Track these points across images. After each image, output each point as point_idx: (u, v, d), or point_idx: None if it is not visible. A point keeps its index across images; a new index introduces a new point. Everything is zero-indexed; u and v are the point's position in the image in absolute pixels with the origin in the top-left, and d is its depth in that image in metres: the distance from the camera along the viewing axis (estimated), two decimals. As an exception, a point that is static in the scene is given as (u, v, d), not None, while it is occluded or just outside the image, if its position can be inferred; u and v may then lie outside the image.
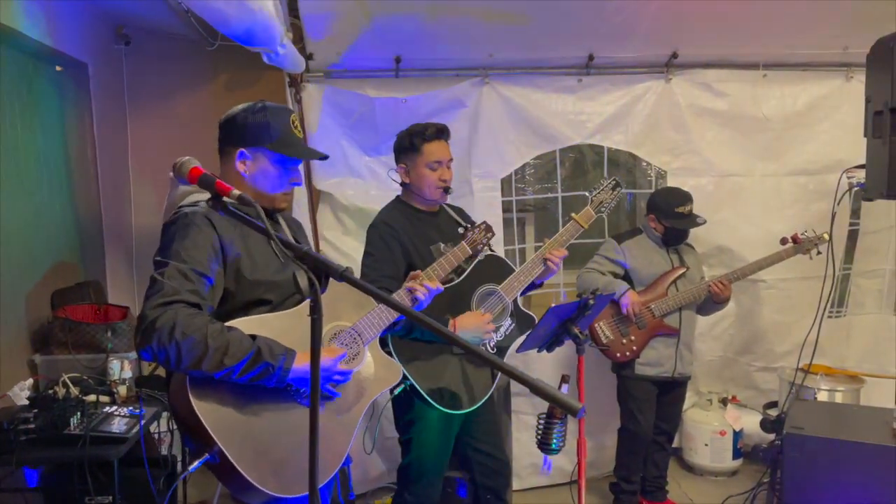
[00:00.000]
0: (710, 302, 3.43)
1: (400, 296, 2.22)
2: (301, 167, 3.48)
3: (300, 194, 3.57)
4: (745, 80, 3.77)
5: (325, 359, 1.79)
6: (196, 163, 1.49)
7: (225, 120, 1.90)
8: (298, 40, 3.36)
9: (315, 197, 3.72)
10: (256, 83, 4.28)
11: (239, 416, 1.67)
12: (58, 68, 3.74)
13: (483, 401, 2.64)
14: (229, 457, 1.62)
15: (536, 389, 1.14)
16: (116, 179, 4.23)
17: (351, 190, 3.66)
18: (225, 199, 1.43)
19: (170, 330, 1.57)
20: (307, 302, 1.77)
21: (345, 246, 3.64)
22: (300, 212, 3.60)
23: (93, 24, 3.86)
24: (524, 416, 3.94)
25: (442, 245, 2.67)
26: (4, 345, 3.02)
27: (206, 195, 1.57)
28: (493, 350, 2.67)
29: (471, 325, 2.51)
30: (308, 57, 3.40)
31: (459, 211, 2.90)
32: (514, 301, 2.70)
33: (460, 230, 2.58)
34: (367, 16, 3.14)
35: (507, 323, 2.68)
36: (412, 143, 2.66)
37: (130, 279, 4.29)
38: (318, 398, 1.34)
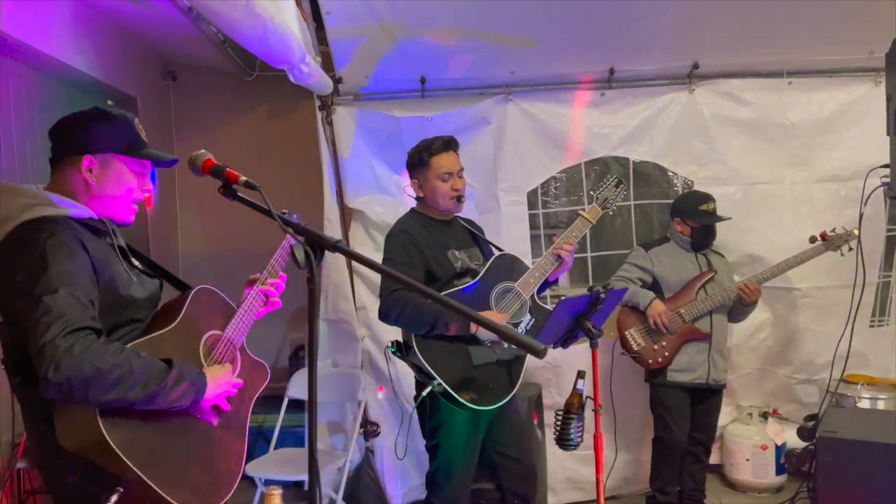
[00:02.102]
0: (740, 306, 3.40)
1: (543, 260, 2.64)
2: (328, 185, 3.69)
3: (332, 212, 3.72)
4: (769, 88, 3.78)
5: (221, 376, 1.77)
6: (209, 155, 1.61)
7: (60, 127, 1.71)
8: (329, 68, 3.54)
9: (347, 215, 3.86)
10: (293, 111, 4.50)
11: (149, 441, 1.58)
12: (109, 102, 4.01)
13: (507, 399, 2.67)
14: (152, 484, 1.53)
15: (503, 335, 1.19)
16: (164, 207, 4.47)
17: (380, 207, 3.79)
18: (234, 186, 1.54)
19: (91, 359, 1.44)
20: (180, 318, 1.73)
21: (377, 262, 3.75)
22: (332, 229, 3.74)
23: (142, 60, 4.14)
24: (558, 430, 3.93)
25: (457, 252, 2.76)
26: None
27: (57, 209, 1.59)
28: (513, 347, 2.71)
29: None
30: (337, 81, 3.57)
31: (469, 221, 3.01)
32: (532, 297, 2.75)
33: (591, 192, 2.83)
34: (392, 39, 3.30)
35: (527, 319, 2.73)
36: (420, 158, 2.78)
37: (177, 302, 4.47)
38: (315, 379, 1.41)
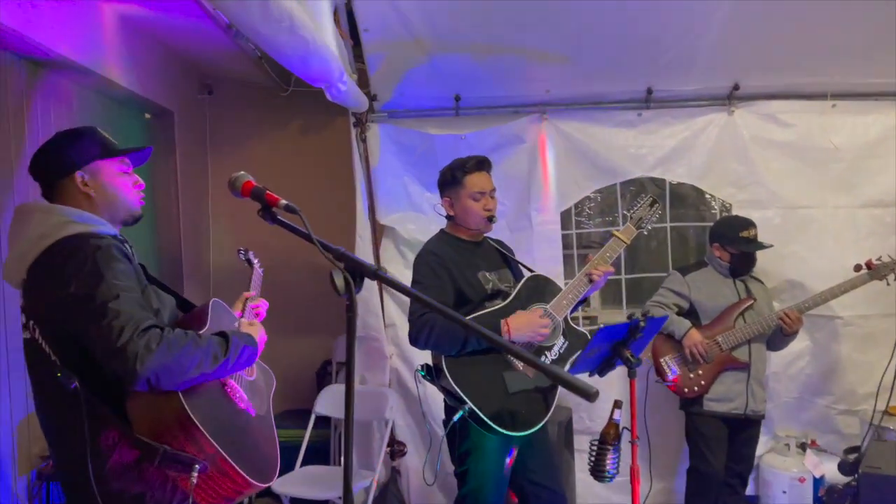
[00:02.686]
0: (780, 335, 3.30)
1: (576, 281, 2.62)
2: (361, 201, 3.67)
3: (364, 229, 3.70)
4: (812, 110, 3.69)
5: (258, 334, 1.93)
6: (249, 177, 1.60)
7: (39, 161, 1.81)
8: (364, 84, 3.54)
9: (378, 231, 3.84)
10: (327, 127, 4.50)
11: (219, 422, 1.71)
12: (147, 116, 4.06)
13: (540, 426, 2.62)
14: (229, 459, 1.65)
15: (554, 376, 1.14)
16: (197, 220, 4.49)
17: (412, 224, 3.77)
18: (274, 209, 1.52)
19: (169, 348, 1.57)
20: (208, 324, 1.82)
21: (406, 280, 3.69)
22: (363, 246, 3.72)
23: (179, 74, 4.17)
24: (587, 455, 3.85)
25: (487, 273, 2.71)
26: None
27: (92, 226, 1.69)
28: (556, 357, 2.66)
29: (524, 325, 2.52)
30: (372, 98, 3.57)
31: (499, 242, 2.96)
32: (566, 319, 2.70)
33: (626, 212, 2.81)
34: (427, 56, 3.29)
35: (560, 342, 2.67)
36: (454, 176, 2.75)
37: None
38: (353, 388, 1.38)
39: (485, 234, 2.85)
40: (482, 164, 2.80)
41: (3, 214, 2.74)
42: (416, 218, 3.78)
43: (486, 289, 2.70)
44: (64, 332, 1.64)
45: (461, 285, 2.64)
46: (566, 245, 3.90)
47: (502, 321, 2.52)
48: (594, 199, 4.15)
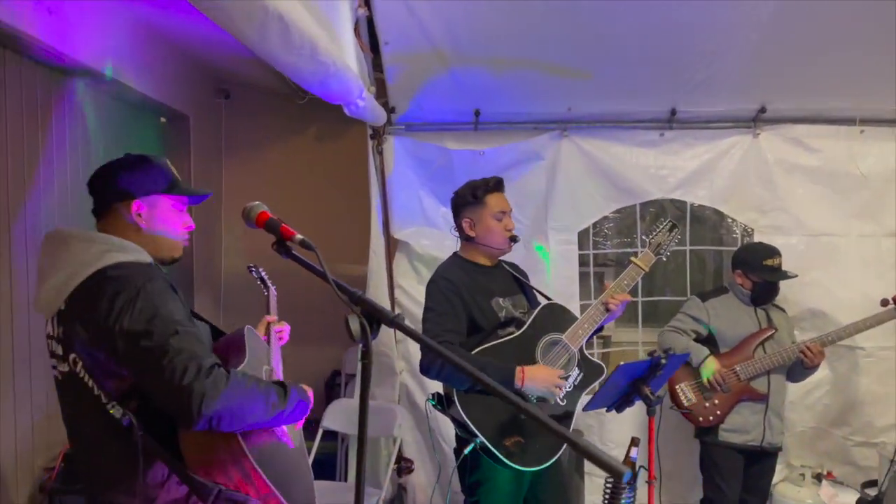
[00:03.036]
0: (800, 367, 3.22)
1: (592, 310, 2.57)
2: (375, 215, 3.62)
3: (378, 245, 3.65)
4: (839, 135, 3.60)
5: (308, 392, 1.84)
6: (264, 207, 1.55)
7: (101, 177, 1.76)
8: (382, 94, 3.48)
9: (392, 246, 3.78)
10: (343, 136, 4.46)
11: (272, 462, 1.70)
12: (162, 120, 4.02)
13: (553, 460, 2.55)
14: (281, 499, 1.67)
15: (582, 451, 1.08)
16: (209, 225, 4.46)
17: (427, 240, 3.71)
18: (288, 243, 1.47)
19: (233, 391, 1.53)
20: (248, 355, 1.80)
21: (419, 295, 3.65)
22: (377, 261, 3.67)
23: (197, 79, 4.14)
24: (598, 479, 3.78)
25: (501, 300, 2.65)
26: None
27: (133, 255, 1.63)
28: (561, 402, 2.59)
29: (540, 378, 2.45)
30: (390, 110, 3.51)
31: (514, 266, 2.88)
32: (581, 350, 2.63)
33: (644, 237, 2.78)
34: (448, 70, 3.22)
35: (575, 373, 2.60)
36: (475, 195, 2.69)
37: (217, 321, 4.45)
38: (366, 436, 1.33)
39: (500, 257, 2.78)
40: (501, 184, 2.75)
41: (22, 215, 2.70)
42: (431, 233, 3.73)
43: (500, 316, 2.63)
44: (110, 366, 1.58)
45: (474, 313, 2.58)
46: (582, 263, 3.82)
47: (517, 369, 2.45)
48: (613, 219, 4.08)
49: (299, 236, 1.45)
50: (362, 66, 2.93)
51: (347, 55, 2.21)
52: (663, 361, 2.17)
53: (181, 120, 4.09)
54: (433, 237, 3.71)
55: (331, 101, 2.36)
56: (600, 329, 2.78)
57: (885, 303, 3.21)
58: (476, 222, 2.69)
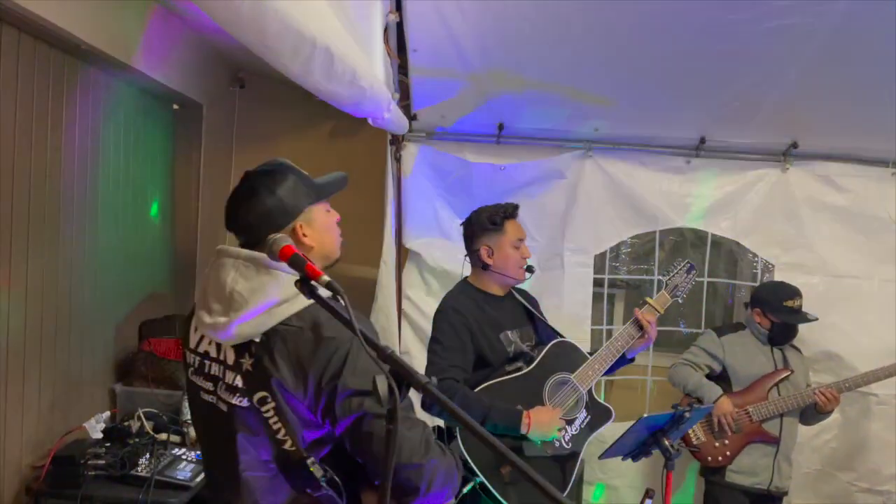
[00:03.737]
0: (813, 411, 3.14)
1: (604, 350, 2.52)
2: (389, 224, 3.52)
3: (389, 255, 3.55)
4: (870, 176, 3.51)
5: None
6: (289, 241, 1.42)
7: (251, 207, 1.57)
8: (404, 98, 3.37)
9: (403, 255, 3.68)
10: (358, 135, 4.33)
11: None
12: (175, 107, 3.90)
13: (569, 486, 2.49)
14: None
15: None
16: (215, 217, 4.34)
17: (439, 252, 3.61)
18: (313, 282, 1.35)
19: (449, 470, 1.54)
20: None
21: (427, 307, 3.56)
22: (387, 272, 3.57)
23: (212, 67, 4.01)
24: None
25: (510, 332, 2.54)
26: (90, 372, 3.09)
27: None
28: (567, 445, 2.50)
29: (545, 423, 2.37)
30: (412, 117, 3.40)
31: (524, 293, 2.78)
32: (590, 391, 2.54)
33: (661, 278, 2.71)
34: (475, 82, 3.11)
35: (582, 416, 2.51)
36: (493, 221, 2.57)
37: (216, 314, 4.35)
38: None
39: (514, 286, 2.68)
40: (517, 210, 2.63)
41: (27, 201, 2.59)
42: (444, 245, 3.62)
43: (508, 351, 2.53)
44: (307, 415, 1.48)
45: (483, 348, 2.47)
46: (596, 285, 3.72)
47: (524, 414, 2.35)
48: (631, 244, 3.98)
49: (326, 278, 1.33)
50: (388, 72, 2.82)
51: (377, 68, 2.10)
52: (687, 415, 2.08)
53: (194, 108, 3.96)
54: (446, 249, 3.61)
55: (358, 115, 2.25)
56: (631, 360, 2.69)
57: (903, 352, 3.12)
58: (494, 250, 2.58)
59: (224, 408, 1.55)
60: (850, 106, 3.15)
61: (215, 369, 1.56)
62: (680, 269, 2.73)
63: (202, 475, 2.68)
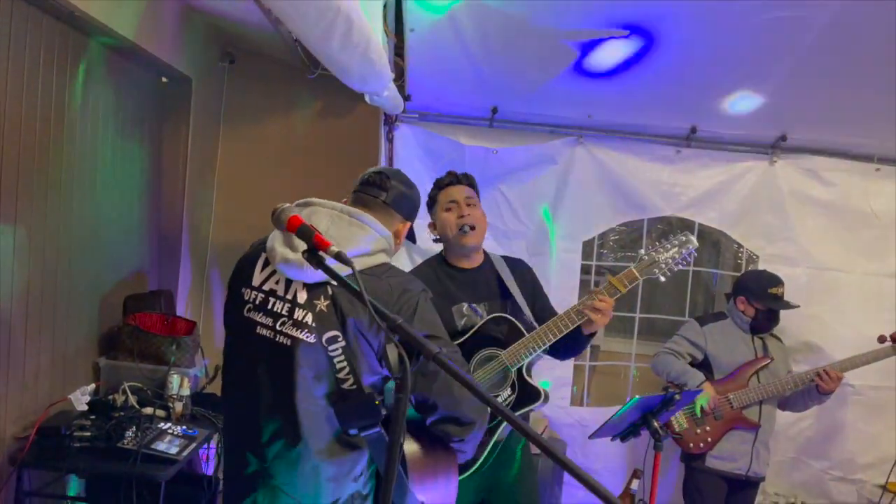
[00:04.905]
0: (809, 395, 3.21)
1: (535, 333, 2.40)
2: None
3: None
4: (856, 171, 3.58)
5: None
6: (295, 211, 1.44)
7: (411, 197, 1.96)
8: (399, 77, 3.35)
9: (392, 236, 3.68)
10: (350, 113, 4.30)
11: None
12: (163, 80, 3.84)
13: (482, 459, 2.38)
14: None
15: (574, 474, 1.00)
16: (202, 193, 4.30)
17: (428, 233, 3.61)
18: (321, 253, 1.36)
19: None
20: None
21: (416, 289, 3.57)
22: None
23: (201, 40, 3.95)
24: (576, 491, 3.76)
25: (465, 306, 2.48)
26: (75, 345, 3.05)
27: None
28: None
29: None
30: (406, 98, 3.39)
31: (518, 269, 2.63)
32: (520, 371, 2.41)
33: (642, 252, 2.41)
34: (471, 64, 3.11)
35: (506, 394, 2.40)
36: (430, 196, 2.61)
37: (200, 292, 4.33)
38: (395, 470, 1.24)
39: (468, 249, 2.52)
40: (456, 178, 2.59)
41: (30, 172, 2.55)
42: (434, 226, 3.62)
43: (458, 324, 2.46)
44: (375, 363, 1.68)
45: None
46: (584, 272, 3.75)
47: None
48: (619, 231, 4.01)
49: (335, 248, 1.35)
50: (387, 49, 2.81)
51: (385, 54, 2.10)
52: (677, 397, 2.12)
53: (183, 82, 3.90)
54: (435, 231, 3.61)
55: (361, 90, 2.24)
56: (590, 336, 2.45)
57: (882, 339, 3.20)
58: (436, 223, 2.58)
59: (286, 342, 1.66)
60: (838, 101, 3.21)
61: (279, 306, 1.68)
62: (674, 247, 2.44)
63: (189, 449, 2.68)
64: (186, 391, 3.06)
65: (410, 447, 1.70)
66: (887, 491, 3.34)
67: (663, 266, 2.39)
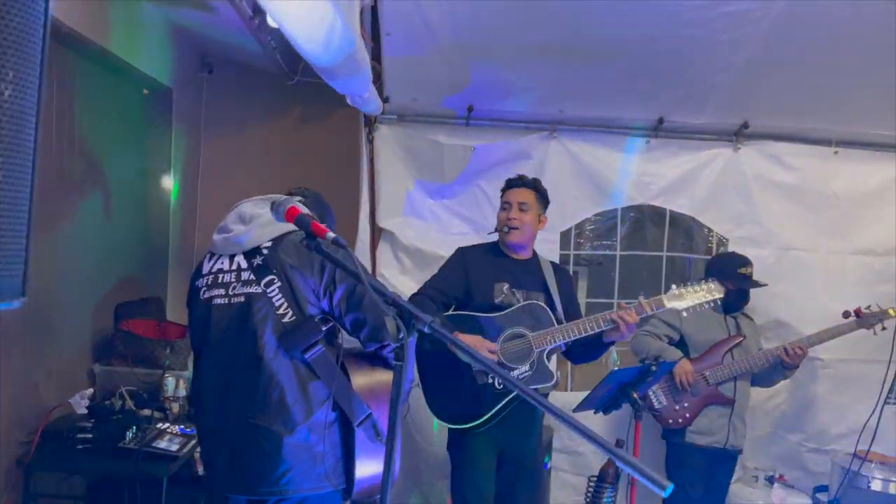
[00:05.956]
0: (775, 371, 3.36)
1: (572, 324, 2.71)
2: (365, 203, 3.60)
3: (364, 232, 3.66)
4: (815, 155, 3.74)
5: None
6: (295, 202, 1.55)
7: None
8: (376, 80, 3.46)
9: (377, 234, 3.79)
10: (329, 118, 4.41)
11: None
12: (145, 91, 3.92)
13: (491, 413, 2.67)
14: None
15: (619, 457, 1.13)
16: (186, 201, 4.37)
17: (412, 231, 3.73)
18: (319, 239, 1.48)
19: None
20: None
21: (402, 285, 3.67)
22: (361, 248, 3.67)
23: (181, 51, 4.03)
24: (563, 475, 3.89)
25: (506, 286, 2.76)
26: (68, 353, 3.12)
27: None
28: (499, 388, 2.70)
29: (469, 343, 2.54)
30: (384, 100, 3.50)
31: (561, 273, 2.99)
32: (542, 353, 2.72)
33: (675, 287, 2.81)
34: (447, 65, 3.24)
35: (522, 370, 2.71)
36: (501, 192, 2.94)
37: (184, 295, 4.38)
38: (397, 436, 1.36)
39: (509, 246, 2.86)
40: (518, 182, 2.92)
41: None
42: (417, 224, 3.74)
43: (496, 299, 2.76)
44: (313, 297, 2.01)
45: (472, 285, 2.77)
46: (562, 262, 3.89)
47: (456, 333, 2.60)
48: (594, 221, 4.16)
49: (331, 234, 1.46)
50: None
51: (363, 47, 2.21)
52: (653, 368, 2.25)
53: (164, 92, 3.98)
54: (418, 228, 3.73)
55: (344, 92, 2.35)
56: (610, 344, 2.76)
57: (846, 315, 3.37)
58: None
59: (241, 299, 2.00)
60: (795, 88, 3.38)
61: (228, 277, 2.03)
62: (702, 290, 2.81)
63: (189, 446, 2.76)
64: (183, 392, 3.14)
65: (354, 369, 2.02)
66: (857, 458, 3.50)
67: (689, 302, 2.76)
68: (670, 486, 1.06)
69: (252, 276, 1.99)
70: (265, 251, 2.00)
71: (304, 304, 1.97)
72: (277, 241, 2.01)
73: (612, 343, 2.73)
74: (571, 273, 3.94)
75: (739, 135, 3.73)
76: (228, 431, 1.99)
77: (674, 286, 2.82)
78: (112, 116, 3.55)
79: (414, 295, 2.81)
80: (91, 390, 3.01)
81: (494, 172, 3.68)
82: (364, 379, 2.02)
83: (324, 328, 1.94)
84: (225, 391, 2.01)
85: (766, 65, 3.18)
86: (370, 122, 3.60)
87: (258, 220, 2.03)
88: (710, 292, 2.80)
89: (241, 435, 1.96)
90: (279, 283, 1.96)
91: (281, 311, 1.95)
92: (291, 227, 1.79)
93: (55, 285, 3.00)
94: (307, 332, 1.93)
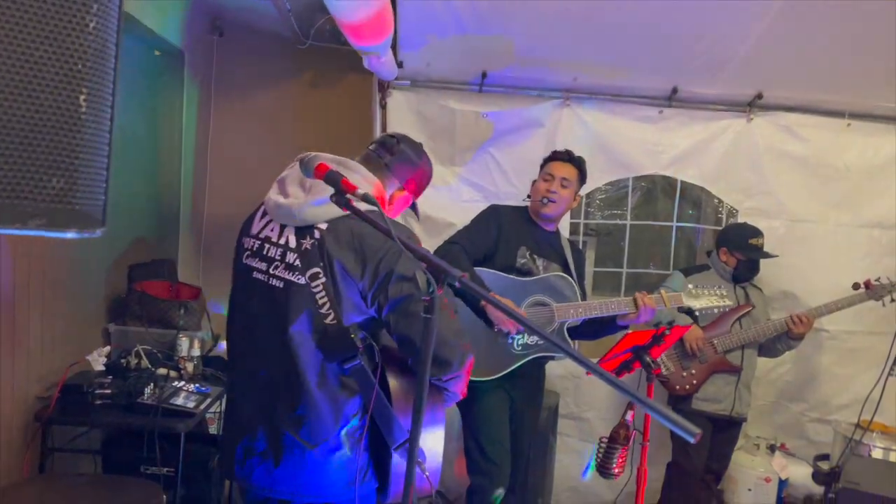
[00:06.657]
0: (781, 341, 3.40)
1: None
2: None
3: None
4: (828, 127, 3.74)
5: None
6: (323, 158, 1.56)
7: (413, 168, 2.09)
8: (391, 45, 3.45)
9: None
10: (340, 83, 4.40)
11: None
12: (156, 52, 3.90)
13: (505, 372, 2.73)
14: None
15: (652, 408, 1.16)
16: (196, 166, 4.38)
17: (422, 198, 3.72)
18: (349, 195, 1.49)
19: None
20: None
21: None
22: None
23: (190, 13, 4.00)
24: (569, 440, 3.95)
25: (528, 252, 2.81)
26: (84, 312, 3.15)
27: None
28: (517, 348, 2.77)
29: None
30: (398, 65, 3.49)
31: (577, 252, 3.05)
32: (563, 325, 2.79)
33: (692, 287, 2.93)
34: (462, 30, 3.22)
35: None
36: (543, 161, 3.00)
37: (198, 262, 4.42)
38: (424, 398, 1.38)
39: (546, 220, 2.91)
40: (562, 155, 2.95)
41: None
42: (427, 191, 3.68)
43: (518, 262, 2.81)
44: (360, 302, 1.77)
45: (499, 244, 2.80)
46: (572, 232, 3.91)
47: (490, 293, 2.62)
48: (605, 190, 4.17)
49: (361, 191, 1.47)
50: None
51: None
52: (667, 332, 2.28)
53: (176, 55, 3.97)
54: (428, 195, 3.64)
55: (368, 49, 2.35)
56: (625, 327, 2.83)
57: (856, 286, 3.40)
58: (533, 184, 2.94)
59: (280, 284, 1.77)
60: (810, 59, 3.37)
61: (273, 252, 1.80)
62: (715, 295, 2.90)
63: (205, 404, 2.80)
64: (197, 351, 3.18)
65: (394, 382, 1.79)
66: (859, 427, 3.55)
67: (704, 304, 2.88)
68: (697, 431, 1.09)
69: (298, 263, 1.75)
70: (318, 235, 1.74)
71: (348, 309, 1.73)
72: (334, 224, 1.74)
73: (626, 327, 2.78)
74: (581, 242, 3.99)
75: (753, 105, 3.73)
76: (253, 424, 1.82)
77: (691, 286, 2.93)
78: (123, 77, 3.52)
79: (449, 244, 2.78)
80: (108, 348, 3.04)
81: (506, 140, 3.69)
82: (401, 381, 1.80)
83: (360, 346, 1.72)
84: (250, 377, 1.84)
85: (782, 34, 3.16)
86: (384, 88, 3.59)
87: (323, 193, 1.68)
88: (721, 299, 2.90)
89: (265, 434, 1.79)
90: (324, 279, 1.72)
91: (324, 310, 1.72)
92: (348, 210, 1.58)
93: (70, 244, 3.02)
94: (344, 346, 1.71)
